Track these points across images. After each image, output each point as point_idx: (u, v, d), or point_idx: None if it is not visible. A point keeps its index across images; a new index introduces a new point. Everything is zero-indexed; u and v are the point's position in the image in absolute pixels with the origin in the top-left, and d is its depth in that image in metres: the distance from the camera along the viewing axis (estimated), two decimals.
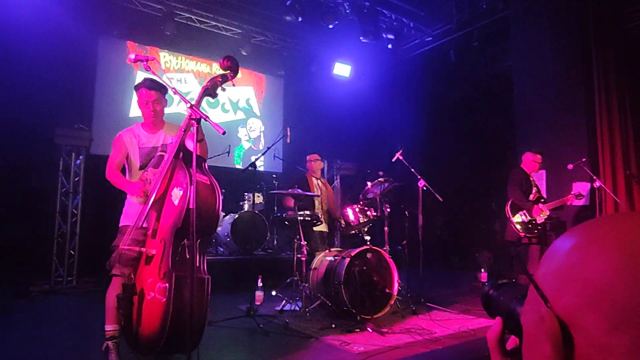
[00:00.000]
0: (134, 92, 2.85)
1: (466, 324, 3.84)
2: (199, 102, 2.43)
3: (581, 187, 5.16)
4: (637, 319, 0.37)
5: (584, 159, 4.94)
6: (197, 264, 2.39)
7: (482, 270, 6.28)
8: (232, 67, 2.56)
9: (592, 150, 6.06)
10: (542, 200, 4.67)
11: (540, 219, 4.47)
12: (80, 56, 6.35)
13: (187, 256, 2.39)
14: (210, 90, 2.50)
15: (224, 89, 2.58)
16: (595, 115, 6.20)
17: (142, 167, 2.82)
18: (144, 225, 2.54)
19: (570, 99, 6.27)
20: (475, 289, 5.83)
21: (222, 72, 2.60)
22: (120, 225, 2.80)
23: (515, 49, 7.10)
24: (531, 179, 4.74)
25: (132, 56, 2.35)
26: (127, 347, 2.54)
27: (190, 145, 2.53)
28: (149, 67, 2.26)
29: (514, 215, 4.54)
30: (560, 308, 0.42)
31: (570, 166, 4.83)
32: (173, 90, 2.30)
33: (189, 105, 2.19)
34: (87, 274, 5.60)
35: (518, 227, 4.45)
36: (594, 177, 4.83)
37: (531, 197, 4.64)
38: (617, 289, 0.39)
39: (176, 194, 2.46)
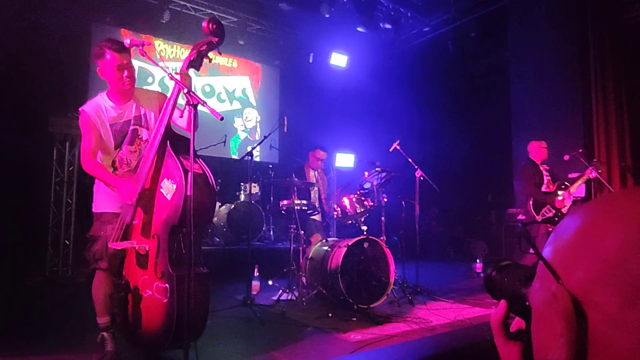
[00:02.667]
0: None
1: (462, 313, 3.87)
2: (186, 68, 2.23)
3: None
4: None
5: (580, 150, 4.95)
6: (196, 259, 2.32)
7: (477, 261, 6.31)
8: (218, 32, 2.30)
9: (588, 142, 6.09)
10: (563, 186, 4.55)
11: (565, 208, 4.43)
12: (74, 43, 6.26)
13: (184, 252, 2.28)
14: (195, 61, 2.27)
15: (210, 59, 2.36)
16: (591, 107, 6.23)
17: (117, 147, 2.53)
18: (130, 218, 2.35)
19: (567, 90, 6.29)
20: (471, 279, 5.87)
21: (206, 38, 2.33)
22: (95, 211, 2.55)
23: (513, 39, 7.09)
24: (541, 168, 4.71)
25: (128, 41, 2.29)
26: (127, 343, 2.52)
27: (175, 128, 2.34)
28: (145, 53, 2.21)
29: (537, 214, 4.47)
30: (572, 284, 0.42)
31: (566, 157, 4.83)
32: (170, 75, 2.25)
33: (185, 91, 2.14)
34: (83, 264, 5.57)
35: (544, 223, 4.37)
36: (591, 168, 4.83)
37: (544, 187, 4.59)
38: (632, 264, 0.38)
39: (168, 186, 2.26)
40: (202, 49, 2.30)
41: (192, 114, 2.08)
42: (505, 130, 7.40)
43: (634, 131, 6.38)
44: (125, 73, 2.43)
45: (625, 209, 0.41)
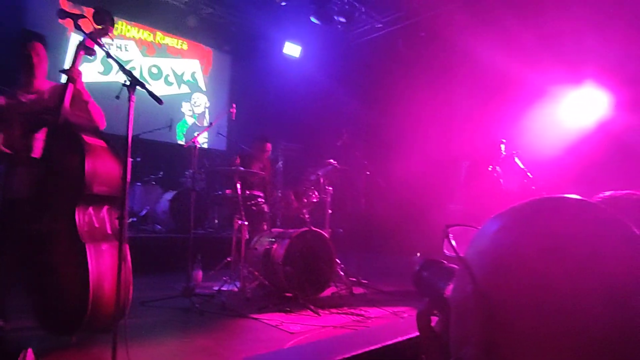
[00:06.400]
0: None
1: (400, 305, 3.99)
2: (76, 60, 2.32)
3: (512, 177, 5.50)
4: (554, 297, 0.39)
5: (514, 151, 5.25)
6: (109, 231, 2.31)
7: (418, 254, 6.53)
8: (105, 21, 2.39)
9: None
10: (499, 189, 4.89)
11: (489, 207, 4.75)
12: (3, 10, 5.74)
13: (97, 225, 2.34)
14: (84, 45, 2.37)
15: (102, 45, 2.38)
16: None
17: (23, 133, 2.53)
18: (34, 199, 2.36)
19: None
20: (411, 272, 6.07)
21: (97, 26, 2.40)
22: (6, 197, 2.54)
23: (458, 43, 7.34)
24: (494, 166, 4.98)
25: (64, 12, 2.14)
26: (42, 329, 2.41)
27: (77, 109, 2.44)
28: (78, 26, 2.07)
29: (463, 205, 4.83)
30: (487, 286, 0.43)
31: (504, 156, 5.10)
32: (107, 54, 2.12)
33: (121, 70, 2.03)
34: None
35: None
36: (524, 168, 5.14)
37: (486, 186, 4.89)
38: (538, 269, 0.40)
39: (72, 161, 2.34)
40: (93, 37, 2.38)
41: (129, 98, 1.98)
42: (451, 129, 7.70)
43: None
44: (40, 61, 2.52)
45: (538, 221, 0.44)
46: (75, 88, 2.46)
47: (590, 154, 5.21)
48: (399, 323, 3.34)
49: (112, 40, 2.50)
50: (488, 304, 0.43)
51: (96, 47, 2.37)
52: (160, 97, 2.07)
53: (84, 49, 2.38)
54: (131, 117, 2.03)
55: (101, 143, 2.43)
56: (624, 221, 0.43)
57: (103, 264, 2.28)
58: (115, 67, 2.27)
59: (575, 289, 0.39)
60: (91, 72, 6.69)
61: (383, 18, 8.15)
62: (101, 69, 6.93)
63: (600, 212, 0.44)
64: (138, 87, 1.99)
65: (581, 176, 5.08)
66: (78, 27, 2.05)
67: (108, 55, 2.08)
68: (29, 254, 2.36)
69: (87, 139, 2.37)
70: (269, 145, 5.19)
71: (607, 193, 0.60)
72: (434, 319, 0.65)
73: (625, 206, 0.56)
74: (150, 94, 1.98)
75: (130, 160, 2.06)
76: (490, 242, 0.46)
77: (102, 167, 2.35)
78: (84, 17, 2.11)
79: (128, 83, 1.93)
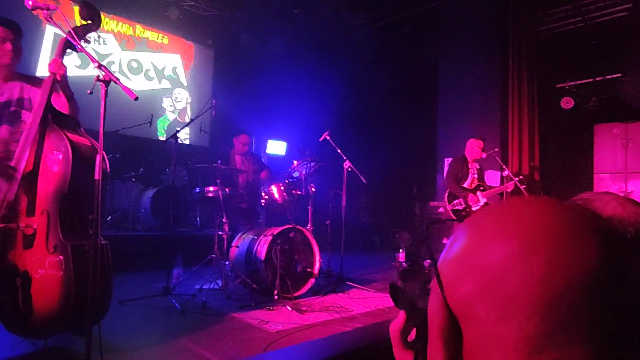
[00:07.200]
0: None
1: (383, 302, 4.00)
2: (60, 55, 2.24)
3: (492, 176, 5.57)
4: (526, 307, 0.37)
5: (496, 149, 5.31)
6: (90, 231, 2.25)
7: (401, 250, 6.57)
8: (92, 16, 2.34)
9: (504, 142, 6.56)
10: (481, 188, 4.98)
11: (476, 205, 4.82)
12: None
13: (78, 225, 2.29)
14: (70, 43, 2.29)
15: (88, 41, 2.34)
16: (508, 110, 6.70)
17: None
18: (9, 197, 2.25)
19: (488, 93, 6.69)
20: (393, 268, 6.10)
21: (82, 22, 2.35)
22: None
23: (442, 40, 7.39)
24: (470, 165, 5.08)
25: (30, 2, 2.04)
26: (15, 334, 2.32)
27: (57, 104, 2.35)
28: (50, 18, 1.99)
29: (450, 202, 4.91)
30: (457, 296, 0.41)
31: (484, 155, 5.16)
32: (79, 47, 2.05)
33: (96, 64, 1.96)
34: None
35: (452, 214, 4.85)
36: (504, 166, 5.20)
37: (467, 183, 4.98)
38: (509, 276, 0.38)
39: (53, 159, 2.28)
40: (78, 31, 2.32)
41: (104, 90, 1.92)
42: (432, 126, 7.75)
43: (542, 133, 7.00)
44: (8, 47, 2.34)
45: (509, 223, 0.41)
46: (58, 83, 2.35)
47: None
48: (382, 321, 3.35)
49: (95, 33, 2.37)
50: (454, 318, 0.41)
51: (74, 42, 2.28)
52: (141, 92, 2.00)
53: (69, 44, 2.28)
54: (102, 112, 1.98)
55: (84, 141, 2.34)
56: (597, 216, 0.41)
57: (84, 265, 2.20)
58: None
59: (551, 293, 0.37)
60: (69, 65, 6.51)
61: (367, 14, 8.14)
62: (78, 62, 6.75)
63: (572, 209, 0.42)
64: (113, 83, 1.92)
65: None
66: (50, 20, 1.96)
67: (80, 50, 2.00)
68: (1, 255, 2.26)
69: (71, 136, 2.30)
70: (244, 137, 5.13)
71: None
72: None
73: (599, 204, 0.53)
74: (125, 89, 1.92)
75: (100, 156, 2.03)
76: (464, 246, 0.44)
77: (85, 165, 2.26)
78: (55, 10, 2.02)
79: (101, 78, 1.87)
